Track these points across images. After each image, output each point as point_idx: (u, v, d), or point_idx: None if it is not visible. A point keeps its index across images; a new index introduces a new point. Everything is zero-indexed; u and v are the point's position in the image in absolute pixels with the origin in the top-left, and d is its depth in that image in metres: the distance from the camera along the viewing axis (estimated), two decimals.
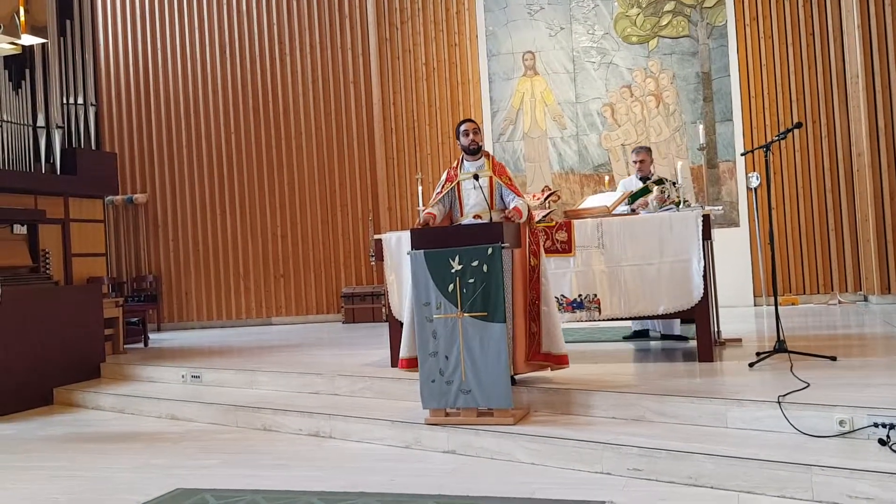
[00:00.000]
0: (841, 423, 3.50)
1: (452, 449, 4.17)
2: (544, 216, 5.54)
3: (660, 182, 5.85)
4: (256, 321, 10.90)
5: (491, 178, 4.87)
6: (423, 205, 6.04)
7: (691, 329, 5.92)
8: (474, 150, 4.92)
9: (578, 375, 4.88)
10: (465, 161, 4.98)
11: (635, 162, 6.59)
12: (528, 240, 4.72)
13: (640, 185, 6.17)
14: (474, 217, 4.84)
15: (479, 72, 10.35)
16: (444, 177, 5.06)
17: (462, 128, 4.93)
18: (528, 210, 4.81)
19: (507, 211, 4.70)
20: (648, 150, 6.72)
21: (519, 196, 4.82)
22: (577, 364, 5.42)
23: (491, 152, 9.99)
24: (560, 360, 4.62)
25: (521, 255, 4.62)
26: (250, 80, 11.04)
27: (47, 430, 5.63)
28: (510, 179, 4.92)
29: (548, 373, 4.76)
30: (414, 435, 4.35)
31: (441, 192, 4.98)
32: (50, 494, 3.90)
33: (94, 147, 8.56)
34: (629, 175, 6.62)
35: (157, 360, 7.17)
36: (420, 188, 7.24)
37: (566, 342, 6.49)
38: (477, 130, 4.93)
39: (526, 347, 4.62)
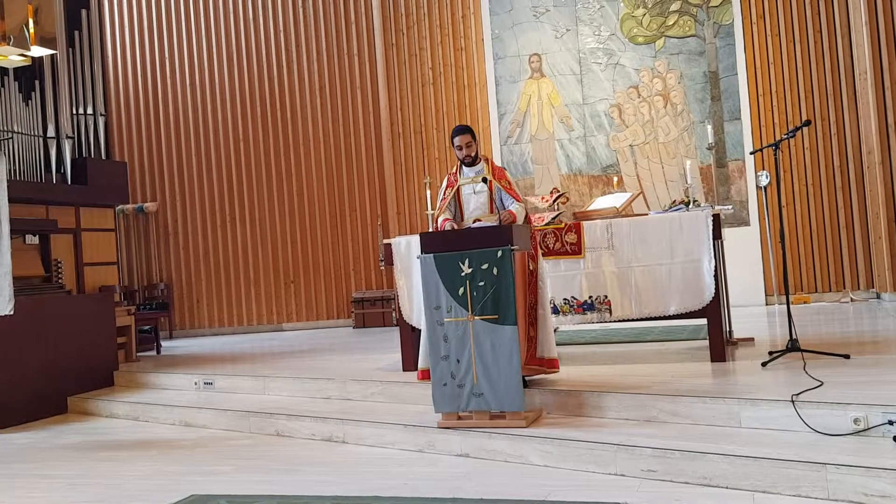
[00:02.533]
0: (855, 421, 3.48)
1: (466, 452, 4.17)
2: (553, 218, 5.54)
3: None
4: (267, 327, 10.93)
5: (490, 181, 4.89)
6: (432, 208, 6.04)
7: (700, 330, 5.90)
8: (469, 164, 4.97)
9: (590, 377, 4.88)
10: (463, 167, 5.02)
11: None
12: None
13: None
14: (474, 221, 4.87)
15: (485, 75, 10.36)
16: (444, 183, 5.11)
17: (455, 142, 4.91)
18: (526, 214, 4.84)
19: (500, 214, 4.71)
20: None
21: (518, 200, 4.86)
22: (588, 366, 5.41)
23: (499, 156, 10.13)
24: (552, 364, 4.62)
25: (520, 258, 4.61)
26: (258, 88, 11.10)
27: (62, 438, 5.66)
28: (509, 183, 4.95)
29: (554, 375, 4.75)
30: (427, 439, 4.35)
31: (446, 198, 5.02)
32: (68, 502, 3.93)
33: (104, 157, 8.63)
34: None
35: (169, 368, 7.20)
36: (428, 192, 7.24)
37: (577, 344, 6.57)
38: (470, 143, 4.90)
39: (525, 351, 4.61)
